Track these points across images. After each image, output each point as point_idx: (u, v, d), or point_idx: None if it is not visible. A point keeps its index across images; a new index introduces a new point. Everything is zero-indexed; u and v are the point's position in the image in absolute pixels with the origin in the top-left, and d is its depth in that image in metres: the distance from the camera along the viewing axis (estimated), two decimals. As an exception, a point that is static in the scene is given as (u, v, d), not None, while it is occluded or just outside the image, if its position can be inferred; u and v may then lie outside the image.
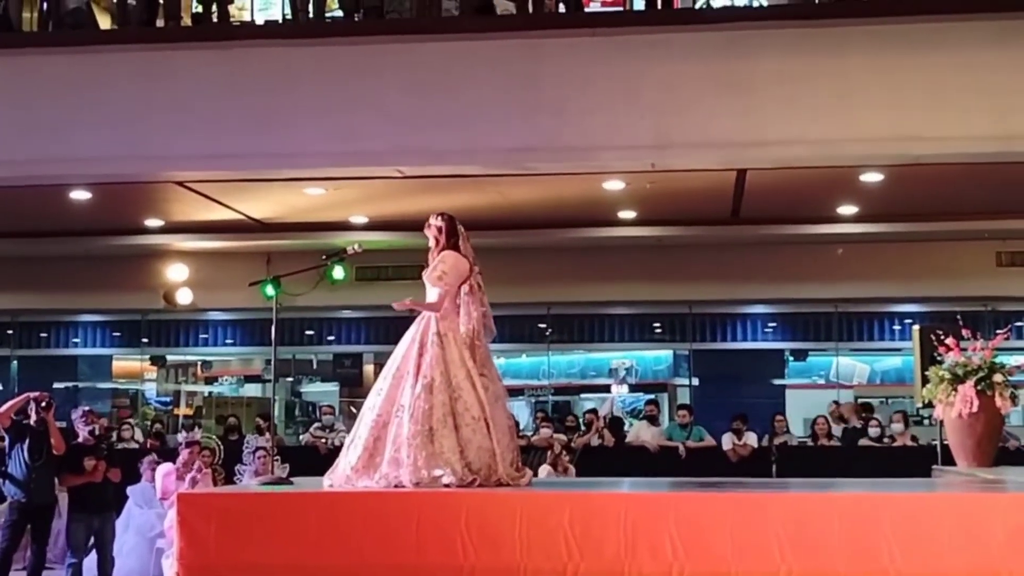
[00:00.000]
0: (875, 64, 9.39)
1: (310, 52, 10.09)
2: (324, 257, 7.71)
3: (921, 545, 5.16)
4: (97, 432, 10.65)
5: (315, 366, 20.83)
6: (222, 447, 12.84)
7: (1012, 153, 9.66)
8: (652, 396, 17.35)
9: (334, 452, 14.44)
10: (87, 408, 11.10)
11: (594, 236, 14.96)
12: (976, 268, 15.26)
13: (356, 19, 10.91)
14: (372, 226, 14.50)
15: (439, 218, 6.65)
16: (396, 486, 5.90)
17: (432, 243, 6.66)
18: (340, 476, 6.14)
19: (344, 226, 14.34)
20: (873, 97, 9.36)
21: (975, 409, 7.58)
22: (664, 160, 10.23)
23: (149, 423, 17.80)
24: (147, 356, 19.68)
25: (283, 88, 10.01)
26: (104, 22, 11.41)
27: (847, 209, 13.70)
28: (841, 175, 11.64)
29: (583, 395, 20.42)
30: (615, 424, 15.62)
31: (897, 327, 17.69)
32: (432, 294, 6.48)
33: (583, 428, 15.34)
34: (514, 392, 21.12)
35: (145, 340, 19.10)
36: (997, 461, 7.88)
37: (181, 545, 5.61)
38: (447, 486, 5.83)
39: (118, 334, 19.40)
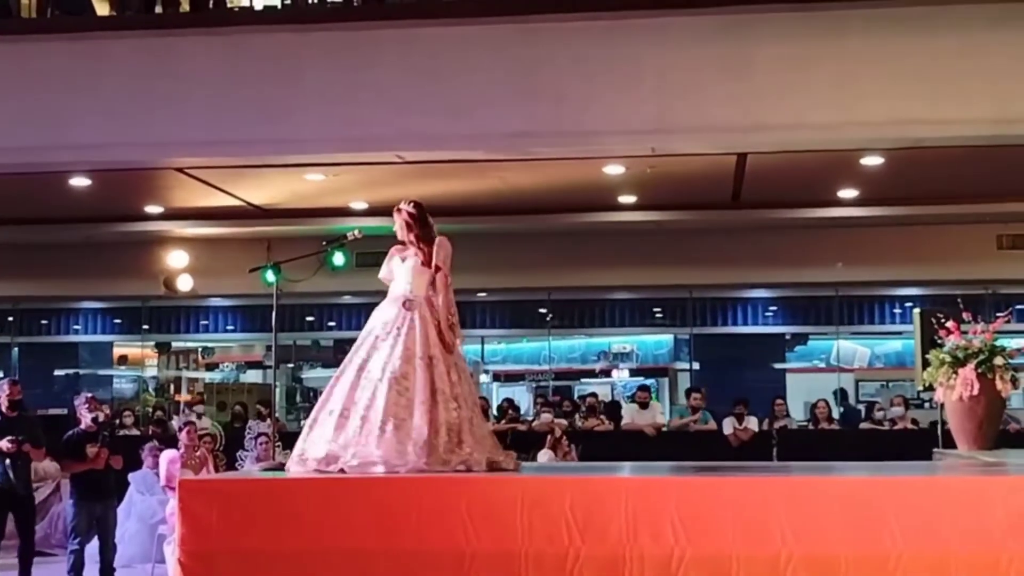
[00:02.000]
0: (875, 48, 9.37)
1: (310, 37, 10.06)
2: (324, 243, 7.72)
3: (922, 528, 5.16)
4: (100, 419, 10.65)
5: (316, 352, 20.86)
6: (223, 433, 12.85)
7: (1012, 136, 9.64)
8: (644, 382, 17.38)
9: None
10: (90, 395, 11.11)
11: (594, 221, 14.96)
12: (977, 251, 15.26)
13: (356, 4, 10.89)
14: (372, 212, 14.47)
15: (411, 204, 6.69)
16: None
17: (403, 229, 6.69)
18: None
19: (344, 212, 14.33)
20: (873, 81, 9.34)
21: (976, 392, 7.58)
22: (664, 144, 10.23)
23: (150, 410, 17.85)
24: (149, 343, 19.71)
25: (283, 74, 9.99)
26: (103, 8, 11.38)
27: (847, 193, 13.69)
28: (841, 159, 11.63)
29: (583, 380, 20.46)
30: (612, 409, 15.64)
31: (897, 310, 17.72)
32: (419, 278, 6.44)
33: (583, 411, 15.36)
34: (514, 377, 21.19)
35: (146, 327, 19.13)
36: (998, 444, 7.88)
37: (183, 531, 5.61)
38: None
39: (119, 321, 19.44)
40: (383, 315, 6.42)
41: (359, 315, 19.19)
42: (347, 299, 18.31)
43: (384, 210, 14.29)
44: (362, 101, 9.83)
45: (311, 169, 12.10)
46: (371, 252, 15.32)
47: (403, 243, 6.68)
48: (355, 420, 6.04)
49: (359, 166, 11.75)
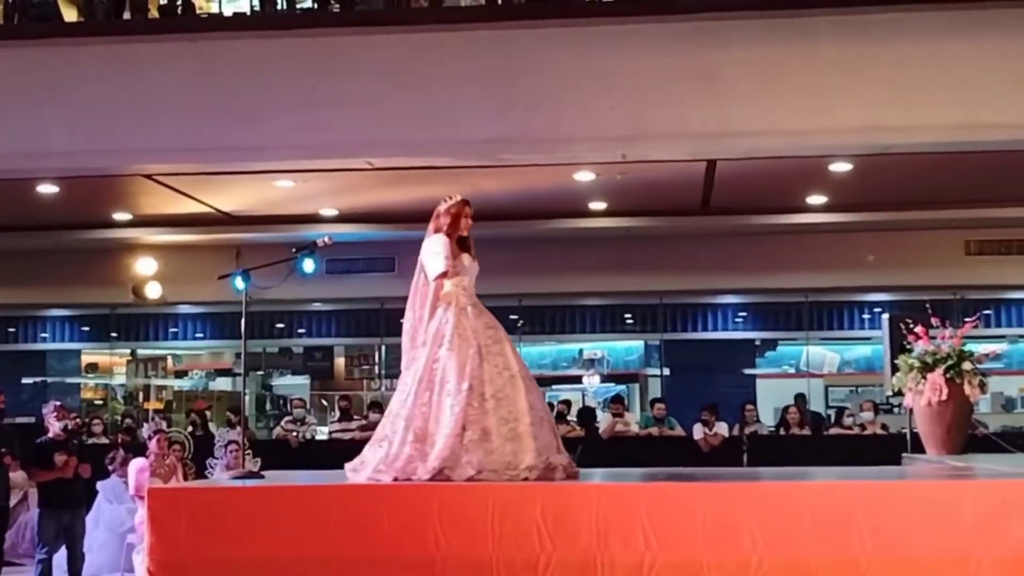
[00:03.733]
0: (844, 54, 9.41)
1: (279, 44, 10.03)
2: (294, 250, 7.68)
3: (892, 533, 5.18)
4: (69, 427, 10.57)
5: (287, 359, 20.78)
6: (191, 441, 12.78)
7: (979, 142, 9.71)
8: (617, 393, 17.39)
9: (306, 445, 14.54)
10: (59, 403, 11.02)
11: (565, 227, 14.99)
12: (945, 257, 15.37)
13: (326, 10, 10.87)
14: (342, 218, 14.48)
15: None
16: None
17: (468, 223, 6.56)
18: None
19: (314, 219, 14.31)
20: (842, 87, 9.39)
21: (944, 397, 7.63)
22: (635, 151, 10.25)
23: (119, 418, 17.72)
24: (116, 350, 19.58)
25: (252, 80, 9.96)
26: (71, 14, 11.32)
27: (816, 199, 13.76)
28: (810, 165, 11.68)
29: (554, 386, 20.45)
30: (587, 415, 15.64)
31: (867, 316, 17.79)
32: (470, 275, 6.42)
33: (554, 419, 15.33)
34: (486, 383, 21.08)
35: (114, 334, 19.00)
36: (966, 448, 7.93)
37: (152, 540, 5.58)
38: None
39: (87, 328, 19.28)
40: (484, 319, 6.30)
41: (329, 322, 19.19)
42: (317, 306, 18.27)
43: (354, 217, 14.45)
44: (332, 107, 9.80)
45: (280, 176, 12.07)
46: (341, 259, 15.44)
47: (450, 235, 6.43)
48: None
49: (329, 172, 11.73)
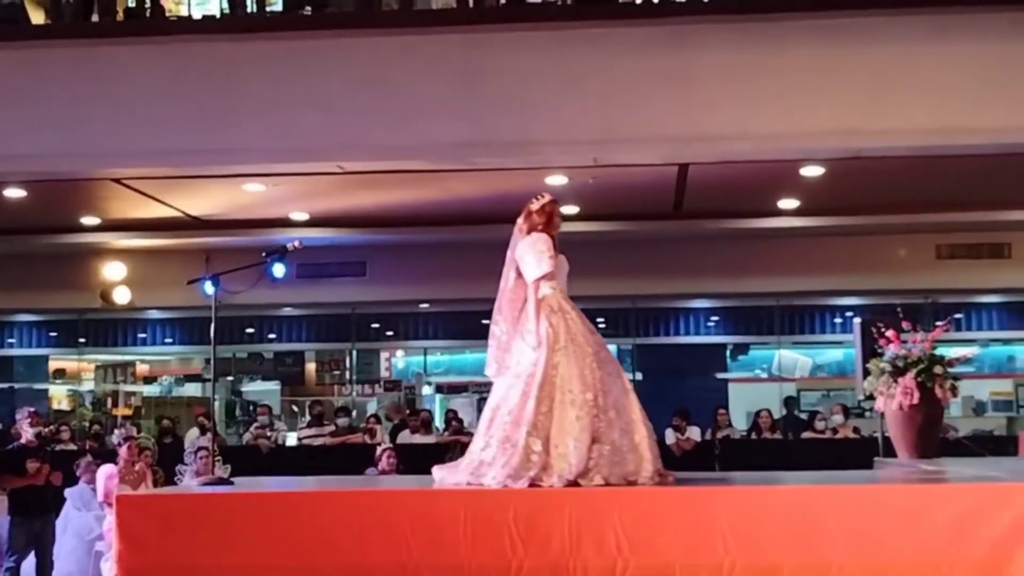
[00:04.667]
0: (816, 58, 9.43)
1: (249, 47, 9.97)
2: (264, 254, 7.62)
3: (863, 536, 5.20)
4: (43, 434, 10.47)
5: (257, 364, 20.69)
6: (157, 448, 12.67)
7: (951, 147, 9.76)
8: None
9: (276, 451, 14.46)
10: (32, 409, 10.92)
11: (537, 231, 14.93)
12: (916, 261, 15.44)
13: (296, 13, 10.81)
14: (313, 222, 14.41)
15: None
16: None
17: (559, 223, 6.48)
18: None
19: (284, 223, 14.23)
20: (814, 91, 9.41)
21: (916, 401, 7.65)
22: (607, 155, 10.25)
23: (87, 424, 17.59)
24: (84, 356, 19.45)
25: (222, 83, 9.89)
26: (38, 17, 11.22)
27: (788, 203, 13.79)
28: (782, 169, 11.70)
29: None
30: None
31: (838, 320, 17.86)
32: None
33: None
34: (458, 389, 21.12)
35: (82, 340, 18.87)
36: (938, 452, 7.95)
37: (120, 547, 5.52)
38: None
39: (55, 334, 19.15)
40: (587, 324, 6.22)
41: (299, 327, 19.11)
42: (288, 311, 18.19)
43: (325, 221, 14.39)
44: (302, 111, 9.74)
45: (250, 179, 11.99)
46: (312, 263, 15.36)
47: (549, 235, 6.36)
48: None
49: (299, 176, 11.67)
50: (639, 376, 19.46)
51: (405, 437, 14.77)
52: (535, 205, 6.40)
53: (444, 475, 6.11)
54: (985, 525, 5.17)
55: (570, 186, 12.57)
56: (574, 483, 5.63)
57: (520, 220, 6.42)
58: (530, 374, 5.91)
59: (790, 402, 16.47)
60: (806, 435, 14.45)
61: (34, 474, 10.21)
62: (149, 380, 21.04)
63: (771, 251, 15.58)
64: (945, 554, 5.15)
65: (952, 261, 15.58)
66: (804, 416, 15.99)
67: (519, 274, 6.30)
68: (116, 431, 12.99)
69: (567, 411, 5.79)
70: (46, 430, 10.77)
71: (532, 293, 6.16)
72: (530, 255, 6.22)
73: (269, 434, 14.82)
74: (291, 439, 15.90)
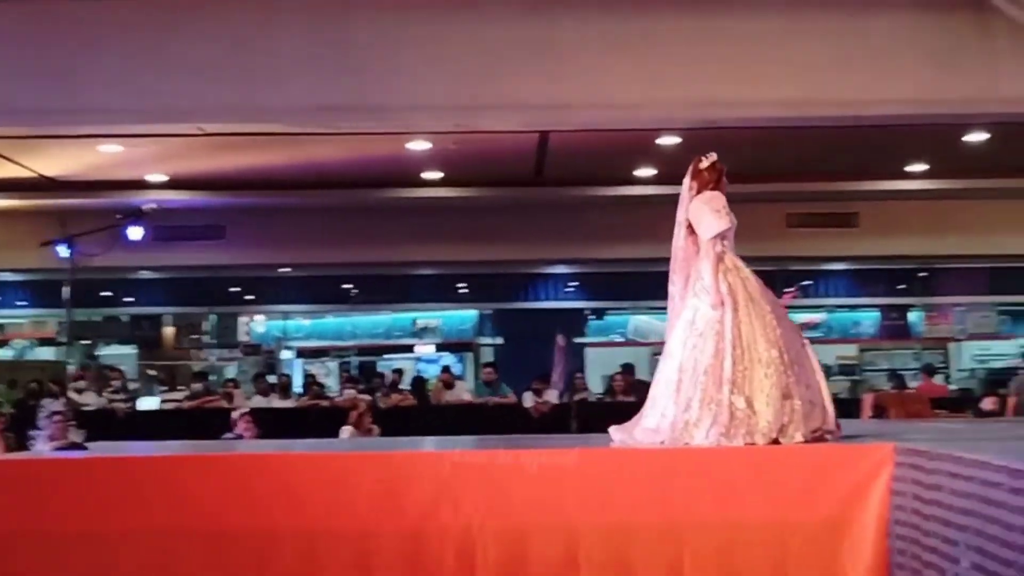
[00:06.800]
0: (676, 29, 9.57)
1: (108, 5, 9.73)
2: (119, 216, 7.52)
3: (716, 495, 5.33)
4: None
5: (113, 328, 20.34)
6: (12, 412, 12.40)
7: (803, 118, 10.07)
8: (447, 364, 17.52)
9: (133, 416, 14.23)
10: None
11: (400, 196, 14.97)
12: (767, 230, 15.81)
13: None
14: (172, 185, 14.19)
15: None
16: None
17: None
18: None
19: (142, 184, 13.98)
20: (672, 62, 9.56)
21: (764, 366, 7.86)
22: (469, 121, 10.29)
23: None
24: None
25: (78, 42, 9.65)
26: None
27: (645, 171, 14.02)
28: (640, 138, 11.90)
29: (387, 356, 20.47)
30: (418, 384, 15.70)
31: (693, 286, 18.21)
32: None
33: (387, 387, 15.39)
34: (319, 353, 21.07)
35: (-68, 302, 18.33)
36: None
37: (-31, 513, 5.42)
38: None
39: (-97, 297, 18.55)
40: (758, 281, 6.18)
41: (158, 290, 18.83)
42: (145, 274, 17.88)
43: (184, 183, 14.18)
44: (162, 71, 9.57)
45: (107, 140, 11.76)
46: (170, 226, 15.13)
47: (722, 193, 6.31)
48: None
49: (158, 138, 11.48)
50: (500, 340, 19.68)
51: (262, 401, 14.69)
52: (704, 163, 6.37)
53: (631, 437, 6.05)
54: (829, 486, 5.33)
55: (433, 152, 12.61)
56: (775, 441, 5.65)
57: (687, 179, 6.37)
58: (717, 332, 5.87)
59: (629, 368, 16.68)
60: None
61: None
62: (1, 344, 20.52)
63: (629, 218, 15.80)
64: (790, 514, 5.30)
65: (802, 230, 16.03)
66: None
67: (691, 232, 6.26)
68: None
69: (756, 369, 5.80)
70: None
71: (710, 250, 6.12)
72: (707, 212, 6.18)
73: (121, 400, 14.57)
74: (148, 403, 15.67)
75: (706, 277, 6.02)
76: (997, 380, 16.84)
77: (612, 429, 6.21)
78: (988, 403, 13.37)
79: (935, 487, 4.76)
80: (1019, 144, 12.82)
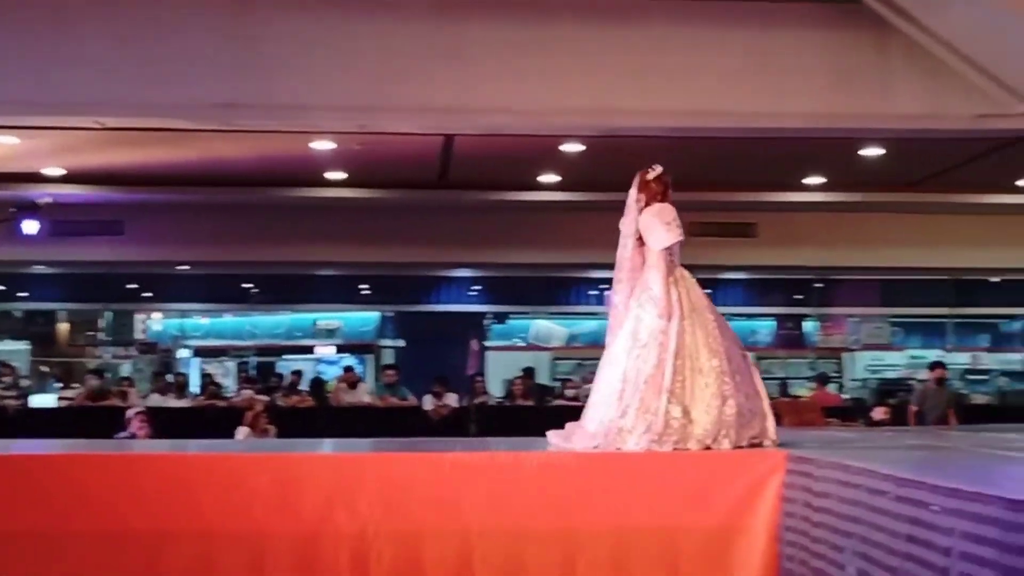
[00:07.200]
0: (580, 37, 9.63)
1: (3, -6, 9.56)
2: (13, 210, 7.38)
3: (601, 502, 5.39)
4: None
5: (7, 323, 19.95)
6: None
7: (703, 128, 10.22)
8: (349, 364, 17.48)
9: (24, 413, 13.97)
10: None
11: (303, 196, 14.88)
12: (668, 238, 15.99)
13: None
14: (69, 179, 13.91)
15: None
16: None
17: None
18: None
19: (38, 178, 13.69)
20: (575, 69, 9.61)
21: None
22: (373, 122, 10.27)
23: None
24: None
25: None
26: None
27: (549, 178, 14.11)
28: (544, 144, 11.98)
29: (286, 356, 20.33)
30: (317, 385, 15.63)
31: (594, 292, 18.40)
32: None
33: (285, 388, 15.31)
34: (217, 352, 20.85)
35: None
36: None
37: None
38: None
39: None
40: (702, 292, 6.23)
41: (53, 286, 18.47)
42: (40, 269, 17.53)
43: (82, 177, 13.93)
44: (60, 63, 9.38)
45: (2, 131, 11.52)
46: (67, 220, 14.85)
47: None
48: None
49: (55, 131, 11.28)
50: (401, 343, 19.64)
51: (158, 400, 14.51)
52: (651, 175, 6.33)
53: (565, 441, 6.10)
54: (722, 491, 5.43)
55: (337, 152, 12.56)
56: (707, 448, 5.71)
57: (634, 191, 6.32)
58: (660, 343, 5.92)
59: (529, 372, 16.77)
60: (558, 403, 14.87)
61: None
62: None
63: (531, 224, 15.91)
64: (683, 519, 5.37)
65: (702, 239, 16.18)
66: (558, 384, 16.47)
67: (640, 243, 6.24)
68: None
69: (697, 379, 5.88)
70: None
71: (660, 261, 6.12)
72: (658, 225, 6.16)
73: (11, 396, 14.28)
74: (40, 401, 15.38)
75: (656, 288, 6.07)
76: (888, 390, 17.27)
77: (550, 434, 6.27)
78: (879, 412, 13.70)
79: (824, 494, 4.86)
80: (913, 159, 13.17)
